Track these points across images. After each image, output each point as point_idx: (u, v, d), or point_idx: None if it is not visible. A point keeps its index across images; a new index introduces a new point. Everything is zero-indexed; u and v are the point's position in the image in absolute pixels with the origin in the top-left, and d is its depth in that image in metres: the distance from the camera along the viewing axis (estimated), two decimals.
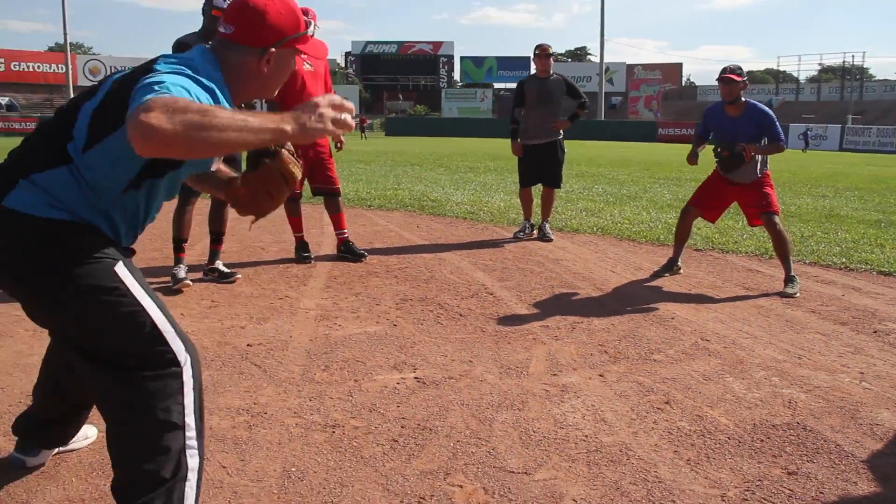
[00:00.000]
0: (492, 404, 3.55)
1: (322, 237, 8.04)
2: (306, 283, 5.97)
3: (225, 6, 5.53)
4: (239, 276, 6.01)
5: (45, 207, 2.00)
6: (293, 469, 2.88)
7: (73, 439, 2.93)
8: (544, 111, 8.20)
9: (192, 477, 2.09)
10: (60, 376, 2.63)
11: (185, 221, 5.77)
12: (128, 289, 2.08)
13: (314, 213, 9.29)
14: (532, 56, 8.38)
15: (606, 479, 2.85)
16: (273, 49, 2.22)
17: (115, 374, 2.07)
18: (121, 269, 2.09)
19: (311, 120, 1.86)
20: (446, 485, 2.79)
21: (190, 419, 2.10)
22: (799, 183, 17.29)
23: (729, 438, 3.23)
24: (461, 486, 2.78)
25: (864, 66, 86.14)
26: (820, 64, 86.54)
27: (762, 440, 3.22)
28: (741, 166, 6.04)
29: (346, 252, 6.92)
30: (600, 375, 3.97)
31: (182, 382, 2.09)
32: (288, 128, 1.84)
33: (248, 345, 4.35)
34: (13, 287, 2.10)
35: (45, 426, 2.76)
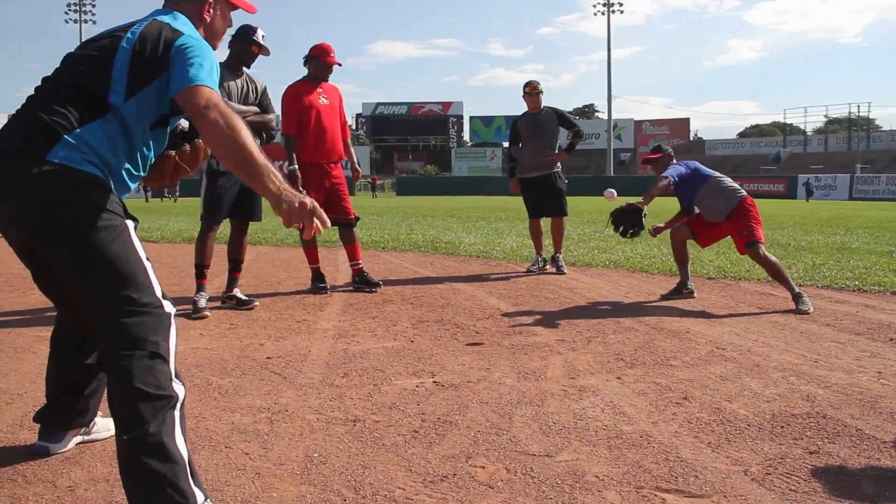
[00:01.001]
0: (511, 402, 3.57)
1: (337, 273, 8.11)
2: (323, 309, 6.03)
3: (263, 42, 5.75)
4: (257, 303, 6.08)
5: (84, 162, 2.29)
6: (315, 455, 2.90)
7: (96, 429, 2.99)
8: (538, 144, 8.35)
9: (178, 406, 2.27)
10: (66, 348, 2.85)
11: (207, 248, 5.86)
12: (135, 247, 2.37)
13: (329, 254, 9.40)
14: (522, 94, 8.51)
15: (628, 460, 2.86)
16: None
17: (116, 308, 2.26)
18: (132, 230, 2.42)
19: (291, 207, 2.23)
20: (468, 466, 2.80)
21: (173, 358, 2.31)
22: (809, 224, 17.32)
23: (749, 426, 3.24)
24: (483, 467, 2.79)
25: (870, 117, 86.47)
26: (826, 115, 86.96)
27: (782, 427, 3.22)
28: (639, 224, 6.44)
29: (362, 282, 6.97)
30: (618, 378, 3.99)
31: (170, 324, 2.34)
32: (276, 196, 2.24)
33: (267, 357, 4.40)
34: (48, 235, 2.28)
35: (59, 402, 2.88)
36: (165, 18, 2.55)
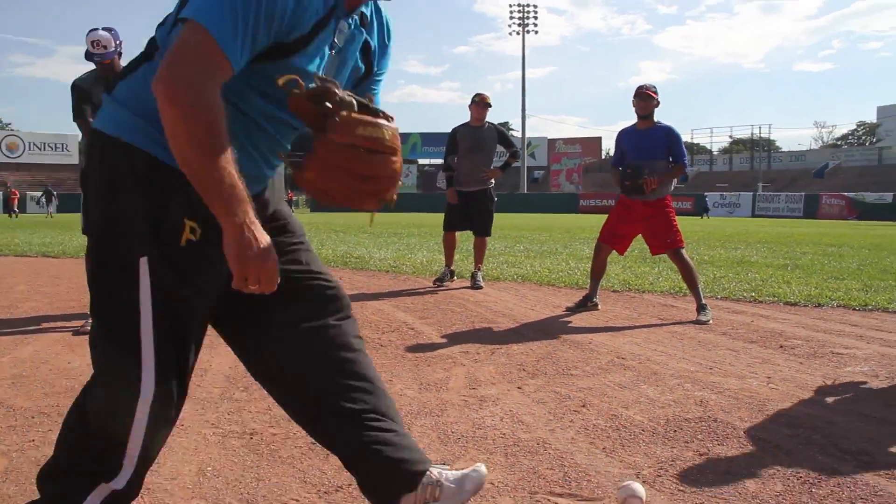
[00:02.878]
0: (411, 413, 3.56)
1: None
2: None
3: (95, 45, 5.43)
4: None
5: (115, 124, 1.78)
6: (209, 469, 2.85)
7: None
8: (476, 159, 8.34)
9: (109, 486, 1.84)
10: None
11: None
12: (136, 286, 1.76)
13: None
14: (470, 103, 8.41)
15: (524, 466, 2.89)
16: None
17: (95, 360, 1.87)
18: (145, 264, 1.75)
19: (251, 258, 1.65)
20: None
21: (132, 446, 1.82)
22: (712, 239, 17.86)
23: (643, 431, 3.31)
24: None
25: (771, 139, 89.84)
26: (730, 136, 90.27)
27: (675, 431, 3.31)
28: (643, 194, 6.35)
29: None
30: (518, 388, 4.03)
31: (135, 408, 1.79)
32: (231, 229, 1.64)
33: None
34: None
35: None
36: None
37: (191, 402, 3.66)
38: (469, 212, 8.45)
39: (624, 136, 6.69)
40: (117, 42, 5.47)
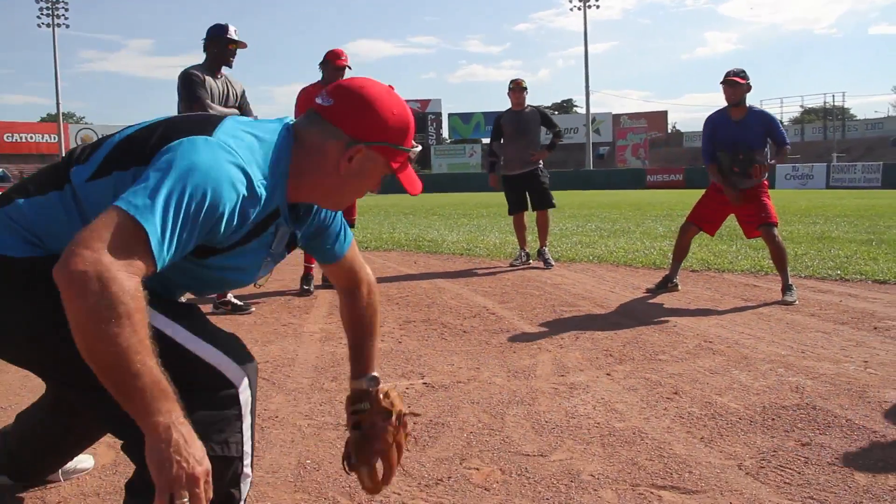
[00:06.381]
0: (502, 401, 3.56)
1: (317, 271, 8.05)
2: (309, 311, 6.00)
3: (237, 37, 5.71)
4: (253, 309, 6.02)
5: (23, 244, 1.70)
6: (308, 461, 2.89)
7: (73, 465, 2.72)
8: (521, 143, 8.52)
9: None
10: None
11: None
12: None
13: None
14: (507, 90, 8.62)
15: (622, 457, 2.86)
16: (363, 145, 1.79)
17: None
18: None
19: (172, 469, 1.39)
20: (463, 468, 2.79)
21: (248, 446, 1.85)
22: (789, 213, 17.40)
23: (740, 419, 3.25)
24: (477, 469, 2.78)
25: (845, 107, 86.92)
26: (802, 106, 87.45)
27: (773, 419, 3.24)
28: (750, 180, 6.17)
29: None
30: (607, 374, 3.99)
31: (240, 406, 1.82)
32: (155, 432, 1.40)
33: None
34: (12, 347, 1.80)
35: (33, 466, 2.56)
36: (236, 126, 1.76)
37: (282, 393, 3.74)
38: (524, 192, 8.65)
39: (717, 128, 6.32)
40: None
